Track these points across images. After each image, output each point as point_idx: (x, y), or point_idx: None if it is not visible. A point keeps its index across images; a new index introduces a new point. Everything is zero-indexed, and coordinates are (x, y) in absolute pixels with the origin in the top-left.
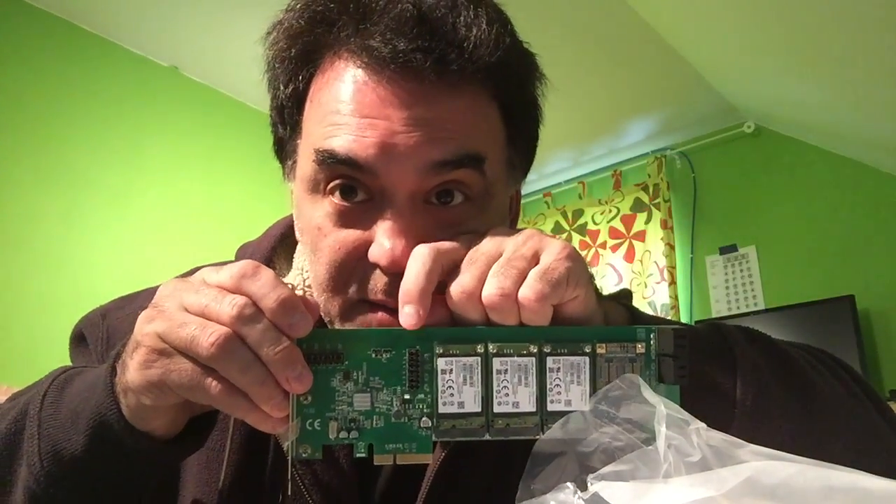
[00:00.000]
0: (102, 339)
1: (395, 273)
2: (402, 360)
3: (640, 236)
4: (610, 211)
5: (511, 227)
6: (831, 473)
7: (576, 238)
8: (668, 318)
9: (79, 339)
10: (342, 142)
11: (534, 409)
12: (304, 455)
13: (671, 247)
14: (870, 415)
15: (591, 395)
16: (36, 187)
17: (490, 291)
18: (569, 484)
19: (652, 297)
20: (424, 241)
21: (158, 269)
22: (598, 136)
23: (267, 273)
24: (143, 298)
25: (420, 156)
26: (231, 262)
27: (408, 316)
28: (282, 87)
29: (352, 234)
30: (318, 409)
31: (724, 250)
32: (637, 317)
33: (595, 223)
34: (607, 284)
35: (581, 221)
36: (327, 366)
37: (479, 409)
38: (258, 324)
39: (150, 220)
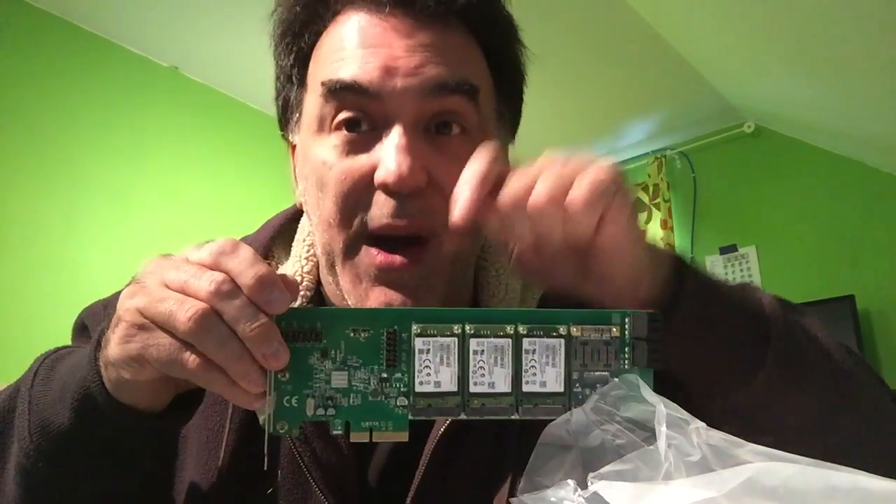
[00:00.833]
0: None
1: (402, 194)
2: (380, 339)
3: None
4: None
5: None
6: (832, 474)
7: None
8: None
9: (81, 329)
10: (348, 70)
11: (509, 390)
12: (280, 431)
13: (671, 247)
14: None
15: (565, 377)
16: (36, 187)
17: (538, 194)
18: (570, 481)
19: None
20: (427, 163)
21: None
22: (598, 136)
23: (245, 250)
24: None
25: (420, 77)
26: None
27: (460, 208)
28: (288, 53)
29: (357, 161)
30: (296, 386)
31: (724, 250)
32: (684, 263)
33: None
34: None
35: None
36: (305, 343)
37: (456, 389)
38: (235, 300)
39: (151, 219)
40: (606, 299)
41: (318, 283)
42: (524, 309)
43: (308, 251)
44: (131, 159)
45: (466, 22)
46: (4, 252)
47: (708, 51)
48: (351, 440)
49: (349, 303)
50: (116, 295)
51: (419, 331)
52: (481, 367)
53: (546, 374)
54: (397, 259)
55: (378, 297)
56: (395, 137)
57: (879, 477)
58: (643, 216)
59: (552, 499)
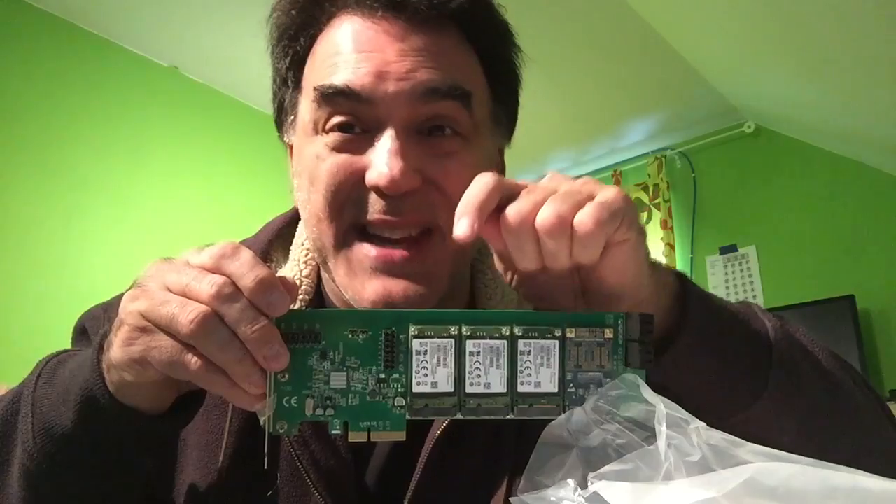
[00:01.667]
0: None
1: (393, 195)
2: (378, 340)
3: None
4: None
5: None
6: (831, 474)
7: None
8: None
9: (81, 332)
10: (340, 75)
11: (504, 391)
12: (280, 431)
13: (671, 247)
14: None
15: (559, 378)
16: (36, 187)
17: (546, 215)
18: (570, 481)
19: None
20: (419, 166)
21: None
22: (598, 136)
23: (246, 253)
24: None
25: (412, 81)
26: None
27: (461, 226)
28: (284, 56)
29: (349, 158)
30: (295, 386)
31: (724, 250)
32: (687, 289)
33: None
34: None
35: None
36: (305, 345)
37: (452, 390)
38: (236, 303)
39: (151, 219)
40: None
41: (317, 285)
42: (520, 311)
43: (306, 255)
44: (131, 159)
45: (460, 26)
46: (4, 252)
47: (708, 51)
48: (349, 440)
49: (346, 296)
50: (116, 298)
51: (416, 332)
52: (477, 368)
53: (541, 375)
54: (396, 253)
55: (376, 289)
56: (387, 141)
57: (879, 477)
58: (646, 235)
59: (552, 498)
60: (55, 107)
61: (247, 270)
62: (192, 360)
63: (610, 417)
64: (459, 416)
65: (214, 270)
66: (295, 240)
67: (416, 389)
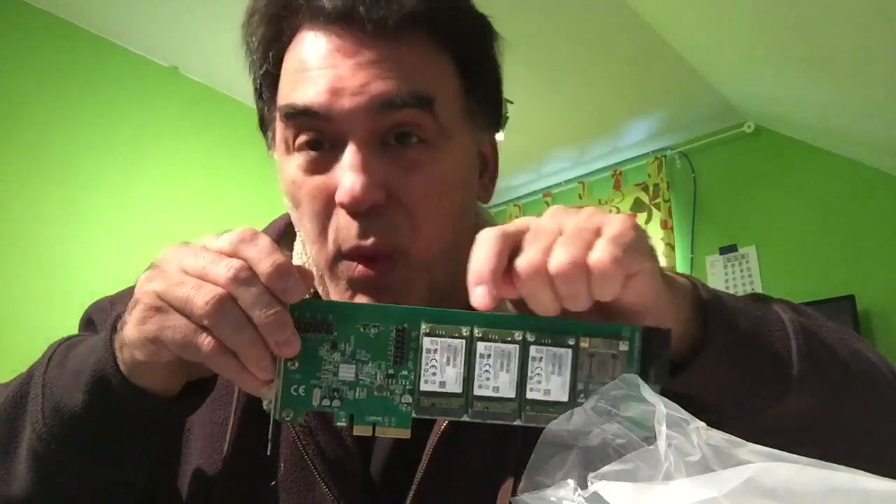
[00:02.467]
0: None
1: (359, 213)
2: (389, 335)
3: None
4: (610, 211)
5: (490, 183)
6: (832, 474)
7: None
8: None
9: (87, 323)
10: (300, 94)
11: (513, 395)
12: (286, 418)
13: (671, 247)
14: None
15: (570, 388)
16: (36, 187)
17: (559, 260)
18: (570, 481)
19: None
20: (384, 180)
21: None
22: (598, 136)
23: (264, 239)
24: None
25: (366, 95)
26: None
27: (479, 297)
28: (258, 69)
29: (322, 181)
30: (304, 375)
31: (724, 250)
32: (703, 300)
33: None
34: None
35: None
36: (316, 335)
37: (460, 390)
38: (252, 287)
39: (150, 219)
40: None
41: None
42: (535, 317)
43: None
44: (131, 159)
45: (419, 29)
46: (4, 251)
47: (708, 51)
48: (354, 433)
49: None
50: (124, 292)
51: (428, 330)
52: (487, 371)
53: (551, 383)
54: (371, 270)
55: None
56: (347, 157)
57: (879, 477)
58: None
59: (552, 498)
60: (55, 106)
61: (264, 256)
62: (205, 342)
63: (610, 417)
64: (466, 418)
65: (232, 254)
66: (297, 237)
67: (423, 387)
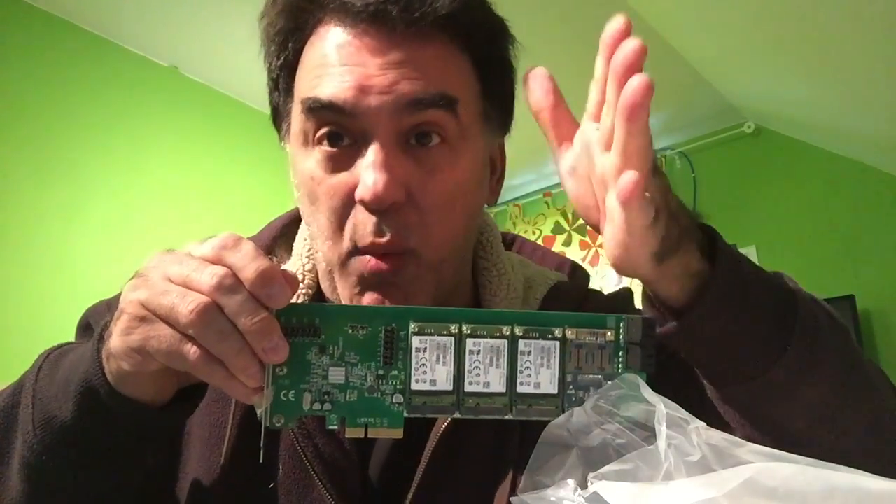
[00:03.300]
0: None
1: (380, 211)
2: (377, 336)
3: None
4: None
5: (497, 186)
6: (832, 474)
7: (576, 238)
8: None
9: (84, 328)
10: (325, 89)
11: (503, 391)
12: (277, 425)
13: None
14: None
15: (559, 379)
16: (36, 187)
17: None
18: (570, 481)
19: None
20: (405, 179)
21: None
22: None
23: (247, 245)
24: None
25: (394, 94)
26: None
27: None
28: (275, 59)
29: (342, 178)
30: (293, 380)
31: None
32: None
33: None
34: (608, 284)
35: (581, 221)
36: (304, 339)
37: (451, 388)
38: (237, 294)
39: (150, 219)
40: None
41: (318, 280)
42: (520, 311)
43: (309, 250)
44: (131, 159)
45: (445, 31)
46: (4, 251)
47: (708, 51)
48: (346, 435)
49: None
50: (120, 295)
51: (416, 329)
52: (477, 367)
53: (540, 376)
54: (385, 266)
55: (368, 301)
56: (371, 155)
57: (879, 477)
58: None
59: (552, 498)
60: (55, 106)
61: (248, 262)
62: (191, 351)
63: (610, 417)
64: (458, 415)
65: (216, 261)
66: (297, 235)
67: (414, 387)
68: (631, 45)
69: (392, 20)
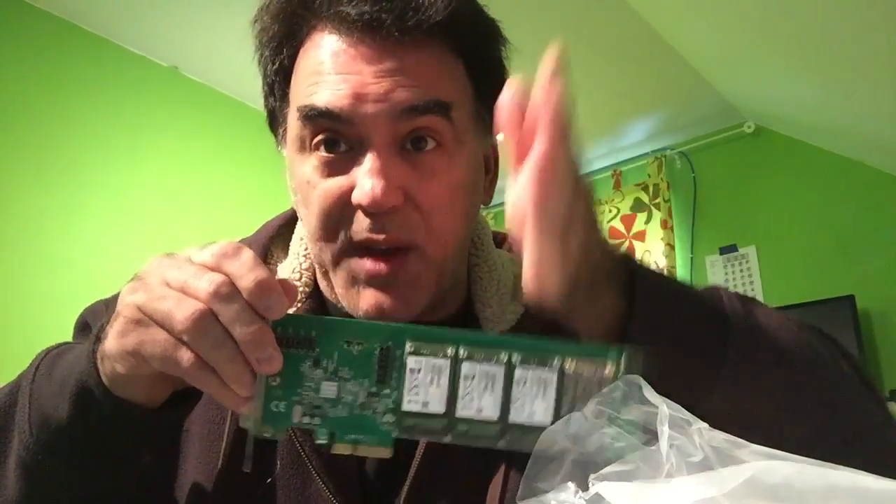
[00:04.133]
0: None
1: (377, 213)
2: (373, 353)
3: (641, 236)
4: (610, 211)
5: (491, 186)
6: (832, 473)
7: None
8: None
9: (82, 327)
10: (321, 96)
11: (496, 418)
12: (265, 435)
13: (671, 247)
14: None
15: (554, 411)
16: (36, 187)
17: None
18: (570, 483)
19: None
20: (402, 184)
21: None
22: (597, 135)
23: (247, 254)
24: None
25: (389, 102)
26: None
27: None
28: (270, 64)
29: (337, 182)
30: (285, 391)
31: (724, 250)
32: (637, 274)
33: None
34: None
35: None
36: (298, 351)
37: (443, 411)
38: (233, 303)
39: (150, 219)
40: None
41: (315, 280)
42: (519, 337)
43: (306, 249)
44: (131, 159)
45: (438, 37)
46: (3, 251)
47: (708, 51)
48: (333, 451)
49: (343, 305)
50: (118, 295)
51: (413, 349)
52: (470, 392)
53: (535, 406)
54: (383, 266)
55: (368, 300)
56: (368, 162)
57: (879, 477)
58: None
59: (553, 502)
60: (55, 106)
61: (246, 271)
62: (185, 357)
63: (610, 420)
64: (448, 440)
65: (214, 269)
66: (294, 235)
67: (406, 407)
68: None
69: (386, 28)
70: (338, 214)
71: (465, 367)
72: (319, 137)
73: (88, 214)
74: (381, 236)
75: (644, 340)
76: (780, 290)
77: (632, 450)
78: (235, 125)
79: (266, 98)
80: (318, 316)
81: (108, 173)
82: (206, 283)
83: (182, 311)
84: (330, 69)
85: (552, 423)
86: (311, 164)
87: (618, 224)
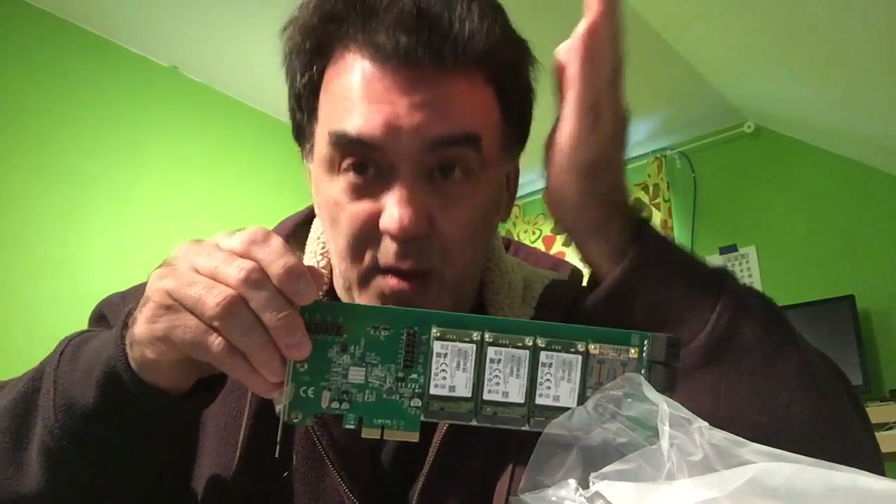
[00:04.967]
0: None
1: (404, 240)
2: (399, 339)
3: None
4: None
5: (510, 203)
6: (833, 474)
7: None
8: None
9: (98, 318)
10: (353, 124)
11: (522, 401)
12: (295, 421)
13: None
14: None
15: (579, 394)
16: (36, 187)
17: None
18: (571, 481)
19: None
20: (428, 212)
21: None
22: None
23: (276, 240)
24: None
25: (421, 134)
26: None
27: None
28: (298, 77)
29: (365, 206)
30: (313, 377)
31: (724, 250)
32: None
33: None
34: None
35: None
36: (326, 337)
37: (469, 395)
38: (263, 289)
39: (150, 220)
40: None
41: (331, 278)
42: (544, 322)
43: (322, 248)
44: (131, 159)
45: (471, 68)
46: (4, 252)
47: (708, 51)
48: (362, 435)
49: None
50: (134, 288)
51: (439, 334)
52: (497, 376)
53: (560, 389)
54: (406, 286)
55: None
56: (397, 191)
57: (879, 477)
58: None
59: (553, 498)
60: (55, 106)
61: (276, 257)
62: (215, 342)
63: (611, 416)
64: (474, 423)
65: (244, 255)
66: (311, 234)
67: (433, 391)
68: None
69: (422, 62)
70: (365, 237)
71: (491, 352)
72: (349, 161)
73: (88, 214)
74: (406, 264)
75: (639, 282)
76: (780, 290)
77: (634, 446)
78: (235, 125)
79: (293, 111)
80: (344, 302)
81: (107, 173)
82: (236, 270)
83: (213, 297)
84: (361, 97)
85: (577, 405)
86: (339, 185)
87: None
